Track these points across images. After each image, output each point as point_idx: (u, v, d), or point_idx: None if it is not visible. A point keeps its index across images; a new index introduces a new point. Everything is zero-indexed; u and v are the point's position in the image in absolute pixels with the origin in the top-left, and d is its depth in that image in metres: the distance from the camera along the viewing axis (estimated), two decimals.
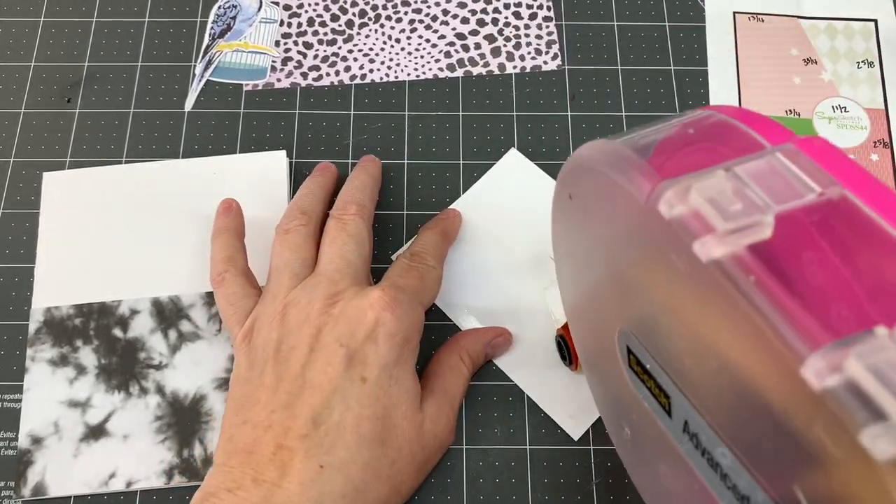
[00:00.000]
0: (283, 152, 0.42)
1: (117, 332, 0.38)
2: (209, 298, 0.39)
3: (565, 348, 0.37)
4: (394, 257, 0.40)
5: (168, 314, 0.39)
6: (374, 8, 0.46)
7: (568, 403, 0.37)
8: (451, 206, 0.41)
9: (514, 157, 0.42)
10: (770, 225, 0.18)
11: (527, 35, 0.45)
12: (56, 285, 0.39)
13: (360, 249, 0.35)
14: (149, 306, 0.39)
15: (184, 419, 0.37)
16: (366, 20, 0.46)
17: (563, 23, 0.46)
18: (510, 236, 0.40)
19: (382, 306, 0.32)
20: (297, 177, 0.42)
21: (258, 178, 0.41)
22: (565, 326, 0.36)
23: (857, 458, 0.15)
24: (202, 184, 0.41)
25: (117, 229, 0.40)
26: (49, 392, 0.37)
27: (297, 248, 0.35)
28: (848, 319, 0.17)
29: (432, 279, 0.37)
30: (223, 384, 0.37)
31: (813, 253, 0.18)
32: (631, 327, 0.24)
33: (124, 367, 0.38)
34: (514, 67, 0.45)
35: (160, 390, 0.37)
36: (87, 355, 0.38)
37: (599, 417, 0.37)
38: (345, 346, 0.32)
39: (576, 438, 0.37)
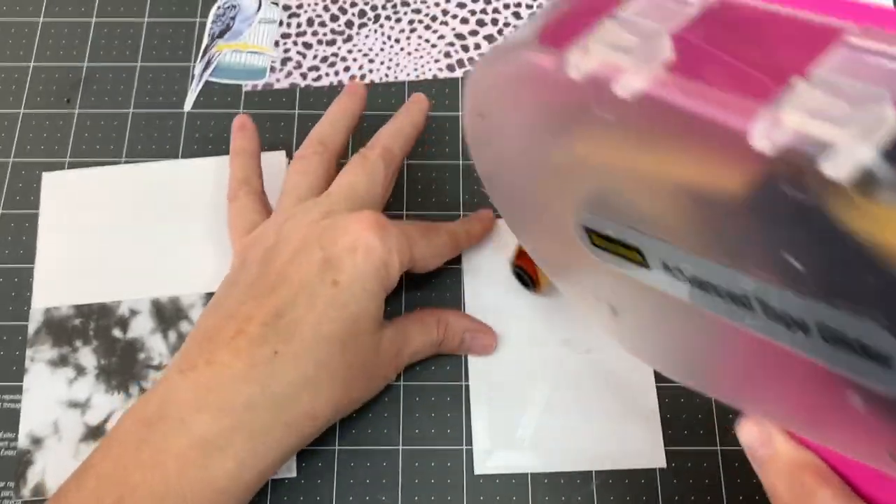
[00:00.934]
0: (283, 152, 0.42)
1: (117, 333, 0.38)
2: (209, 299, 0.39)
3: (525, 275, 0.38)
4: None
5: (168, 315, 0.39)
6: (374, 8, 0.46)
7: (497, 441, 0.37)
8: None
9: None
10: (668, 45, 0.19)
11: None
12: (56, 286, 0.39)
13: (371, 186, 0.36)
14: (148, 307, 0.39)
15: None
16: (365, 20, 0.46)
17: None
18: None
19: (369, 224, 0.33)
20: None
21: None
22: (519, 256, 0.38)
23: (826, 192, 0.16)
24: (202, 184, 0.41)
25: (117, 229, 0.40)
26: (49, 392, 0.37)
27: (306, 172, 0.36)
28: (766, 90, 0.18)
29: (439, 245, 0.36)
30: None
31: (710, 59, 0.19)
32: (583, 208, 0.25)
33: (124, 368, 0.38)
34: None
35: None
36: (87, 356, 0.38)
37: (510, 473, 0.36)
38: (324, 249, 0.32)
39: (475, 472, 0.36)
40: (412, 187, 0.42)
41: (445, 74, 0.44)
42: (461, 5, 0.46)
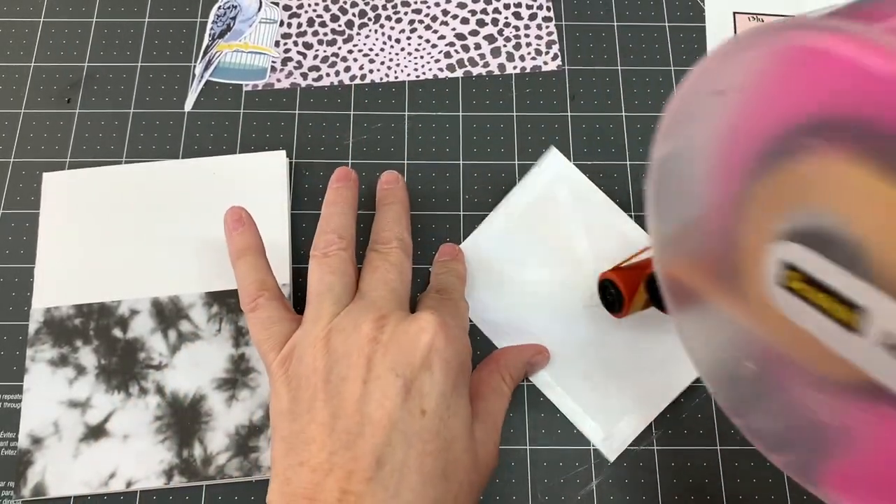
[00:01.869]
0: (283, 152, 0.42)
1: (117, 333, 0.38)
2: (209, 299, 0.39)
3: (614, 293, 0.35)
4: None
5: (168, 314, 0.39)
6: (374, 8, 0.46)
7: (604, 424, 0.37)
8: (461, 244, 0.40)
9: (555, 159, 0.42)
10: None
11: (527, 35, 0.45)
12: (56, 285, 0.39)
13: (402, 278, 0.34)
14: (148, 306, 0.39)
15: (183, 419, 0.37)
16: (366, 20, 0.46)
17: (563, 23, 0.46)
18: (550, 249, 0.40)
19: (435, 329, 0.31)
20: (297, 177, 0.42)
21: (258, 177, 0.41)
22: (613, 271, 0.35)
23: None
24: (202, 184, 0.41)
25: (117, 229, 0.40)
26: (49, 392, 0.37)
27: (337, 271, 0.34)
28: None
29: (464, 309, 0.37)
30: (223, 384, 0.37)
31: None
32: (796, 237, 0.20)
33: (124, 368, 0.38)
34: (514, 68, 0.45)
35: (160, 390, 0.37)
36: (87, 355, 0.38)
37: (635, 439, 0.37)
38: (401, 375, 0.30)
39: (611, 460, 0.37)
40: (412, 187, 0.42)
41: (446, 74, 0.44)
42: (461, 5, 0.46)
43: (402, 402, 0.29)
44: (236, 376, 0.38)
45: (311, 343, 0.31)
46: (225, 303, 0.39)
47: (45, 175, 0.41)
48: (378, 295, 0.33)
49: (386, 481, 0.28)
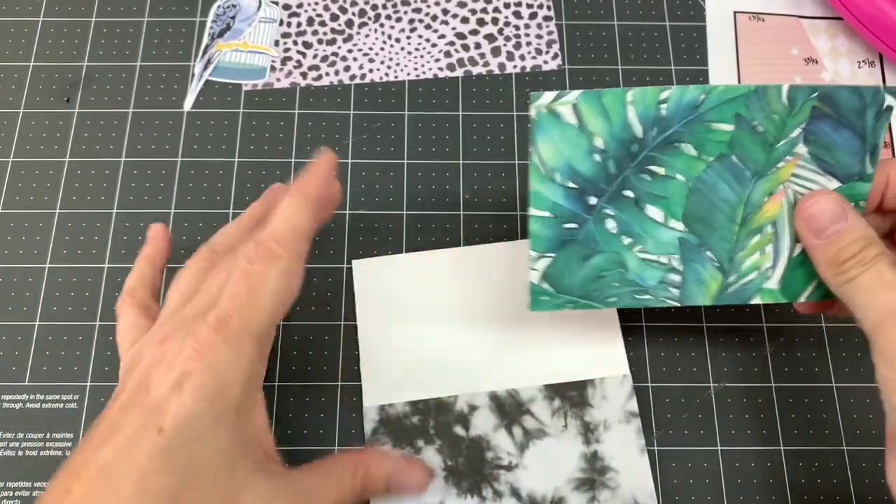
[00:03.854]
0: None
1: (459, 431, 0.36)
2: (549, 392, 0.37)
3: None
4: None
5: (508, 409, 0.36)
6: (374, 7, 0.46)
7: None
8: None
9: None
10: None
11: (527, 35, 0.45)
12: (386, 381, 0.37)
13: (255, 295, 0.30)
14: (487, 401, 0.37)
15: None
16: (365, 20, 0.46)
17: (564, 22, 0.46)
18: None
19: (189, 356, 0.28)
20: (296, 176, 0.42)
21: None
22: None
23: None
24: (501, 271, 0.39)
25: (431, 319, 0.38)
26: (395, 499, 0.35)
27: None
28: None
29: (274, 283, 0.29)
30: (581, 485, 0.35)
31: None
32: None
33: (473, 468, 0.36)
34: (515, 67, 0.45)
35: (515, 492, 0.35)
36: (432, 456, 0.36)
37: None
38: (152, 394, 0.28)
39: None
40: (412, 187, 0.42)
41: (445, 74, 0.44)
42: (461, 4, 0.46)
43: (143, 419, 0.28)
44: (593, 476, 0.35)
45: (143, 349, 0.31)
46: (566, 396, 0.37)
47: (355, 262, 0.40)
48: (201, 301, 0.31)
49: (97, 485, 0.27)
